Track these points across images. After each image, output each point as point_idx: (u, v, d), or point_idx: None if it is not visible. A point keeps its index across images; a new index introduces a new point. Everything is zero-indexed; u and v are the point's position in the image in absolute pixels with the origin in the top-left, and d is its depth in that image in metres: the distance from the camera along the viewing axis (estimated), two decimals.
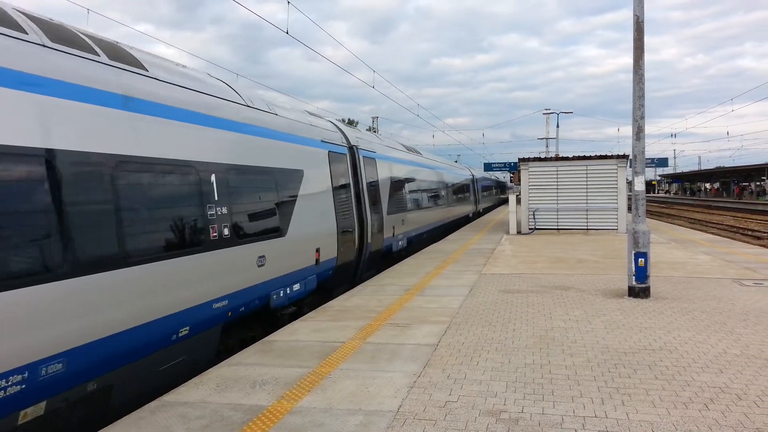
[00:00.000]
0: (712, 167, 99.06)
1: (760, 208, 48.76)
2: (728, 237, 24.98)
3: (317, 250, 9.86)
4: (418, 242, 19.30)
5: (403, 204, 17.08)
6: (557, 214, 22.28)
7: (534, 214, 22.37)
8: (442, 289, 10.70)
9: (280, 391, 5.45)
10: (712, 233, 26.81)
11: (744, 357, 6.29)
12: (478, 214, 38.45)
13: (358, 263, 12.47)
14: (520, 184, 23.32)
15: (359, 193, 12.73)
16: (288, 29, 13.88)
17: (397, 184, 16.56)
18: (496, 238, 20.82)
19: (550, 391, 5.34)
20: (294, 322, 8.37)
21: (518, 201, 23.45)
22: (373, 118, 57.57)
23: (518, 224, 22.77)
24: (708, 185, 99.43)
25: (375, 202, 13.81)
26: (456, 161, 43.23)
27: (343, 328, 7.82)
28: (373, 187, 13.92)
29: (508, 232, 22.75)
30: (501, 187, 68.96)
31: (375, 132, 50.34)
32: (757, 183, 75.93)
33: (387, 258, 15.14)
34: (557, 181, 22.22)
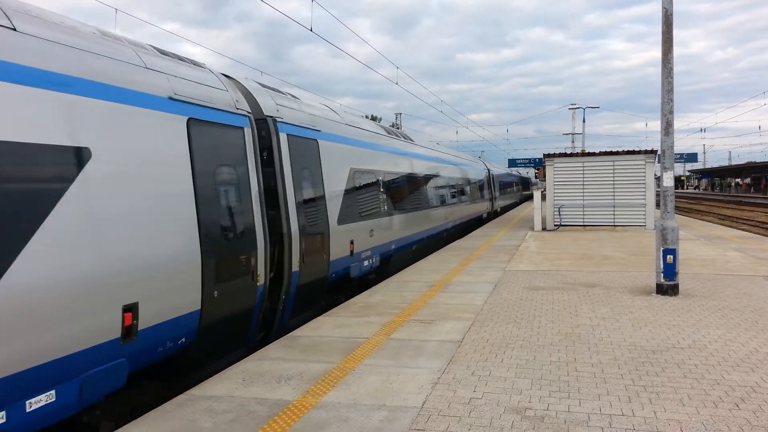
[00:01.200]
0: (743, 162, 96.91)
1: None
2: (760, 233, 24.43)
3: (130, 309, 5.18)
4: (402, 257, 14.61)
5: (372, 207, 12.24)
6: (583, 210, 22.03)
7: (559, 211, 22.15)
8: (466, 285, 10.66)
9: (305, 386, 5.49)
10: (743, 230, 26.23)
11: None
12: (494, 214, 34.67)
13: (275, 306, 8.11)
14: (545, 180, 23.11)
15: (279, 193, 8.18)
16: (312, 26, 13.94)
17: (363, 180, 11.90)
18: (520, 235, 20.66)
19: (576, 388, 5.29)
20: (318, 317, 8.41)
21: (543, 197, 23.23)
22: (397, 114, 57.49)
23: (543, 220, 22.57)
24: (738, 180, 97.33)
25: (314, 205, 9.24)
26: (479, 157, 42.38)
27: (367, 324, 7.84)
28: (312, 182, 9.33)
29: (532, 229, 22.56)
30: (524, 183, 67.63)
31: (398, 128, 49.71)
32: None
33: (343, 286, 10.84)
34: (583, 177, 21.96)
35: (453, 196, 21.88)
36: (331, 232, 9.80)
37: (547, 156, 22.87)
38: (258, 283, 7.32)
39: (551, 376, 5.65)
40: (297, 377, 5.75)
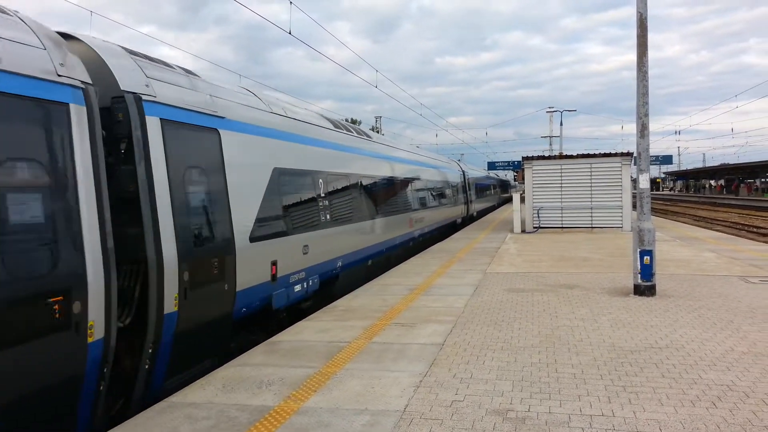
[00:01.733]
0: (716, 164, 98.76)
1: (766, 205, 48.56)
2: (734, 234, 24.91)
3: None
4: (355, 274, 12.26)
5: (307, 217, 9.73)
6: (561, 213, 22.26)
7: (538, 213, 22.34)
8: (447, 288, 10.69)
9: (287, 391, 5.46)
10: (718, 230, 26.72)
11: (751, 354, 6.27)
12: (470, 219, 32.77)
13: (137, 365, 5.86)
14: (524, 183, 23.31)
15: (142, 201, 5.94)
16: (291, 29, 13.90)
17: (293, 183, 9.39)
18: (500, 237, 20.79)
19: (556, 389, 5.33)
20: (299, 322, 8.37)
21: (522, 199, 23.43)
22: (377, 117, 57.56)
23: (522, 223, 22.75)
24: (713, 182, 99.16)
25: (208, 218, 6.99)
26: (459, 160, 42.23)
27: (349, 328, 7.82)
28: (207, 186, 7.03)
29: (512, 231, 22.72)
30: (503, 186, 67.70)
31: (377, 132, 49.28)
32: (762, 179, 75.67)
33: (264, 321, 8.55)
34: (561, 180, 22.20)
35: (421, 201, 19.65)
36: (239, 252, 7.37)
37: (526, 159, 23.09)
38: (90, 339, 4.95)
39: (532, 377, 5.69)
40: (278, 382, 5.71)
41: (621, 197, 21.62)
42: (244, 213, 7.69)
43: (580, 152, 22.98)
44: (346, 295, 10.29)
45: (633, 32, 9.95)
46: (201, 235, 6.78)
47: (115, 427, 4.75)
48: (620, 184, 21.62)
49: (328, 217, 10.63)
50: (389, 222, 15.14)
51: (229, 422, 4.77)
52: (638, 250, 9.59)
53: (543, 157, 23.80)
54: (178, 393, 5.52)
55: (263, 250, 8.10)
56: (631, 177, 21.99)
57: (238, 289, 7.36)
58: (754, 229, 29.62)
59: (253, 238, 7.85)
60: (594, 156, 22.29)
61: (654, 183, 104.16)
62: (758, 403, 4.90)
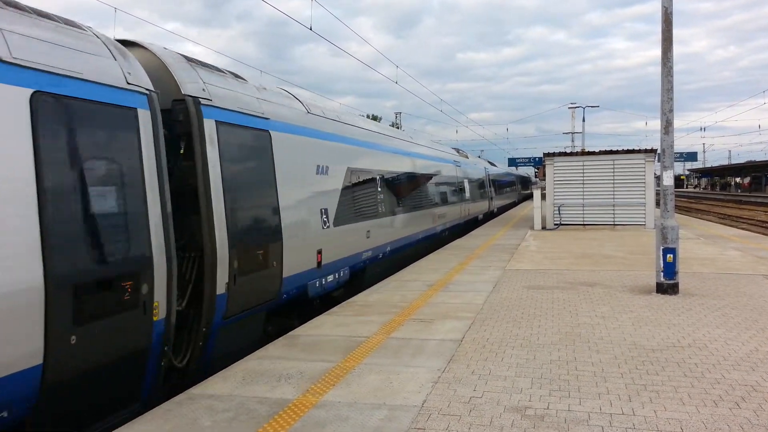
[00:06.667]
0: (743, 161, 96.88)
1: None
2: (760, 233, 24.43)
3: None
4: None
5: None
6: (583, 210, 22.04)
7: (559, 210, 22.15)
8: (466, 284, 10.65)
9: (305, 385, 5.49)
10: (743, 229, 26.23)
11: None
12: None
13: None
14: (545, 179, 23.11)
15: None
16: (312, 25, 13.93)
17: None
18: (520, 234, 20.66)
19: (576, 387, 5.29)
20: (318, 316, 8.41)
21: (543, 196, 23.24)
22: (396, 113, 57.39)
23: (543, 219, 22.58)
24: (738, 180, 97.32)
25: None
26: (480, 156, 41.32)
27: (367, 323, 7.84)
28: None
29: (532, 228, 22.56)
30: (523, 182, 62.36)
31: (398, 128, 48.96)
32: None
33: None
34: (583, 176, 21.97)
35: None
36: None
37: (547, 155, 22.87)
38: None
39: (551, 375, 5.65)
40: (297, 376, 5.75)
41: (644, 194, 21.34)
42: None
43: (603, 149, 22.69)
44: (365, 291, 10.32)
45: (658, 27, 9.80)
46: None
47: (136, 419, 4.82)
48: (643, 181, 21.35)
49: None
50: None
51: (249, 414, 4.81)
52: (661, 247, 9.47)
53: (565, 154, 23.56)
54: (199, 385, 5.58)
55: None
56: (655, 174, 21.70)
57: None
58: None
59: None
60: (617, 152, 22.03)
61: (678, 180, 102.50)
62: None
